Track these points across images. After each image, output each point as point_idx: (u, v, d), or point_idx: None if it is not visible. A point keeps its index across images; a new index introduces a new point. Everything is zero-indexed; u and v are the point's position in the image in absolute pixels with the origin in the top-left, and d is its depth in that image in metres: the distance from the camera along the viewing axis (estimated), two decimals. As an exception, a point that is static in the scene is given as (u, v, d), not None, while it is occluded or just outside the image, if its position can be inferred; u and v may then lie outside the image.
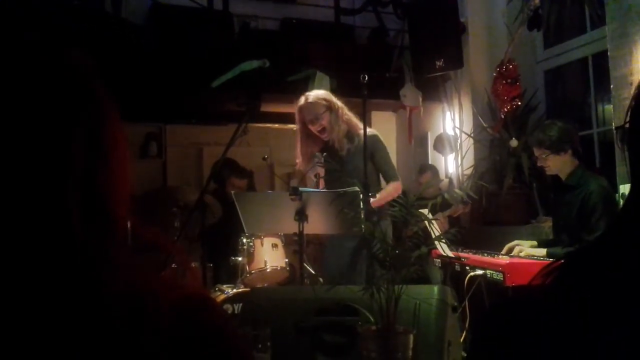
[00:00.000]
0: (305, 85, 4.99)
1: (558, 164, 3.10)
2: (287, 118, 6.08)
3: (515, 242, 3.24)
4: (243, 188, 4.59)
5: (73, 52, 0.61)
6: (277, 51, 5.07)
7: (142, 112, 5.46)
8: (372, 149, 2.95)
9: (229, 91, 4.65)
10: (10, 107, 0.54)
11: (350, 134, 3.09)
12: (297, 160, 3.15)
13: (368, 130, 2.94)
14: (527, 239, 3.38)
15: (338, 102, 3.10)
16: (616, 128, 0.56)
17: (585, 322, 0.54)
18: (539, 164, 3.21)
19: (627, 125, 0.60)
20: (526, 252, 3.08)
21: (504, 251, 3.22)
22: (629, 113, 0.60)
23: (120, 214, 0.61)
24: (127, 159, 0.63)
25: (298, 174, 3.24)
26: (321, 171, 3.02)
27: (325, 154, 3.07)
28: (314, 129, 3.06)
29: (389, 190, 3.04)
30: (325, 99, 3.08)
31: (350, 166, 3.02)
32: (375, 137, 3.04)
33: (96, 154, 0.59)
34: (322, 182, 3.06)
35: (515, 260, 2.95)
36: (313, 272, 3.47)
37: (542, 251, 3.08)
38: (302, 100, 3.10)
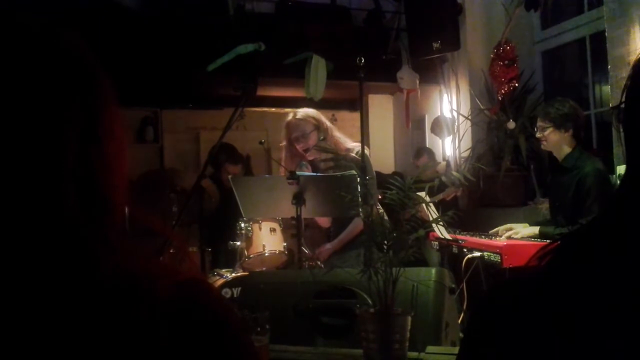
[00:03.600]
0: (302, 68, 4.96)
1: (555, 140, 3.10)
2: (283, 102, 6.06)
3: (508, 225, 3.25)
4: (238, 174, 4.59)
5: (71, 35, 0.60)
6: (273, 34, 5.03)
7: (137, 97, 5.43)
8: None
9: (225, 75, 4.62)
10: (6, 91, 0.54)
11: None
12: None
13: (358, 146, 2.84)
14: (524, 221, 3.39)
15: (327, 122, 3.02)
16: (612, 108, 0.56)
17: (583, 304, 0.55)
18: (537, 135, 3.20)
19: (622, 105, 0.60)
20: (522, 233, 3.09)
21: (495, 232, 3.23)
22: (624, 92, 0.60)
23: (117, 199, 0.61)
24: (124, 144, 0.63)
25: None
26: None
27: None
28: (299, 147, 2.96)
29: (358, 224, 2.81)
30: (314, 118, 2.98)
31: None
32: (365, 157, 2.85)
33: (93, 139, 0.59)
34: None
35: (513, 242, 2.96)
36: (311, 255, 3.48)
37: (535, 229, 3.09)
38: (290, 116, 3.02)
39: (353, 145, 2.99)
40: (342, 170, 2.77)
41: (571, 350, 0.53)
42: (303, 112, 3.04)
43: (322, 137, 2.97)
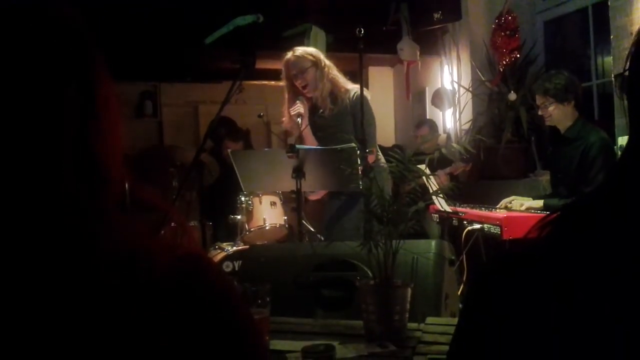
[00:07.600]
0: (301, 40, 4.91)
1: (560, 114, 3.09)
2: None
3: (512, 197, 3.26)
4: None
5: (65, 9, 0.60)
6: (271, 5, 4.96)
7: (135, 71, 5.39)
8: (356, 109, 2.84)
9: (223, 48, 4.58)
10: (8, 68, 0.54)
11: (334, 94, 2.99)
12: (283, 119, 3.08)
13: (357, 88, 2.89)
14: (524, 193, 3.39)
15: (326, 60, 3.02)
16: (615, 76, 0.55)
17: (583, 269, 0.54)
18: (540, 112, 3.19)
19: (626, 73, 0.59)
20: (527, 205, 3.10)
21: (501, 205, 3.24)
22: (628, 59, 0.59)
23: (114, 173, 0.61)
24: (119, 118, 0.63)
25: (288, 134, 3.20)
26: (304, 112, 2.96)
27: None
28: (297, 84, 3.00)
29: None
30: (312, 55, 3.01)
31: (332, 129, 2.94)
32: (365, 99, 2.88)
33: (90, 115, 0.59)
34: (304, 122, 2.97)
35: (512, 213, 2.97)
36: (312, 229, 3.49)
37: (539, 202, 3.09)
38: (289, 54, 3.03)
39: (352, 86, 3.02)
40: (342, 115, 2.89)
41: (570, 316, 0.53)
42: (302, 49, 3.08)
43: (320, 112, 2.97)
